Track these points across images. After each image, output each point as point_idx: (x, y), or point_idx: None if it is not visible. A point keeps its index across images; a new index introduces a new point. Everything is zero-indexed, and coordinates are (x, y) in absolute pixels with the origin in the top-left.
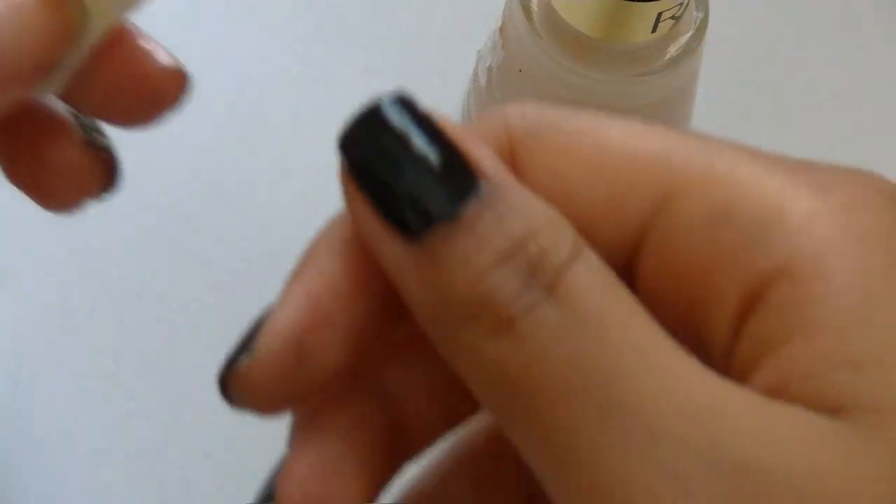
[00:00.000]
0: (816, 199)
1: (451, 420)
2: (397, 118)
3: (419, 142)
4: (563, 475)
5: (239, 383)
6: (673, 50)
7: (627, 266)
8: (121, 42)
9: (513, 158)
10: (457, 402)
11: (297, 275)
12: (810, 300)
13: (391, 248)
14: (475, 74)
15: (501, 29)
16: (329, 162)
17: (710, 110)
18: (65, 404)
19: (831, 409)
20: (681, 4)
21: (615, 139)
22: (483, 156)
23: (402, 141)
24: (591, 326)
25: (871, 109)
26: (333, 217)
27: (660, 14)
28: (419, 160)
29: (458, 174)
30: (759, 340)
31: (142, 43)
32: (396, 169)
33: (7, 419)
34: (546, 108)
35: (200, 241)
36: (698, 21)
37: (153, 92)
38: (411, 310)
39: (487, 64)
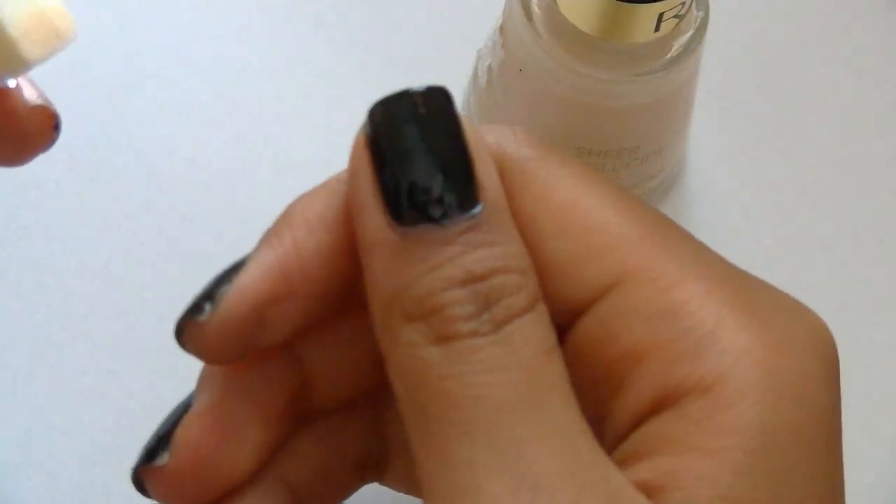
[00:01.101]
0: (751, 335)
1: (352, 395)
2: (428, 109)
3: (439, 139)
4: (436, 496)
5: (194, 333)
6: (673, 49)
7: (564, 321)
8: None
9: (502, 181)
10: (363, 380)
11: (272, 238)
12: (719, 429)
13: (373, 223)
14: (475, 74)
15: (501, 28)
16: (329, 160)
17: (710, 110)
18: (65, 403)
19: None
20: (683, 3)
21: (592, 203)
22: (490, 179)
23: (424, 131)
24: (522, 370)
25: (872, 109)
26: (318, 186)
27: (662, 13)
28: (434, 156)
29: (462, 183)
30: (655, 439)
31: (9, 83)
32: (411, 155)
33: (7, 418)
34: (539, 144)
35: (201, 240)
36: (698, 20)
37: (21, 131)
38: (367, 287)
39: (487, 64)
